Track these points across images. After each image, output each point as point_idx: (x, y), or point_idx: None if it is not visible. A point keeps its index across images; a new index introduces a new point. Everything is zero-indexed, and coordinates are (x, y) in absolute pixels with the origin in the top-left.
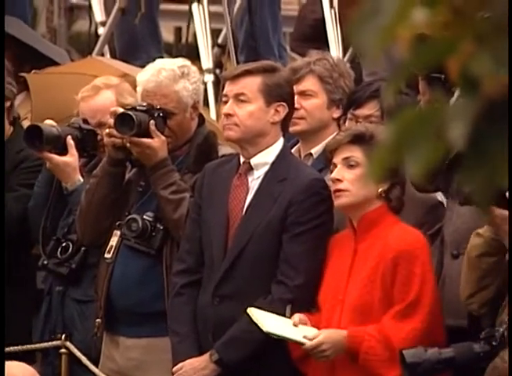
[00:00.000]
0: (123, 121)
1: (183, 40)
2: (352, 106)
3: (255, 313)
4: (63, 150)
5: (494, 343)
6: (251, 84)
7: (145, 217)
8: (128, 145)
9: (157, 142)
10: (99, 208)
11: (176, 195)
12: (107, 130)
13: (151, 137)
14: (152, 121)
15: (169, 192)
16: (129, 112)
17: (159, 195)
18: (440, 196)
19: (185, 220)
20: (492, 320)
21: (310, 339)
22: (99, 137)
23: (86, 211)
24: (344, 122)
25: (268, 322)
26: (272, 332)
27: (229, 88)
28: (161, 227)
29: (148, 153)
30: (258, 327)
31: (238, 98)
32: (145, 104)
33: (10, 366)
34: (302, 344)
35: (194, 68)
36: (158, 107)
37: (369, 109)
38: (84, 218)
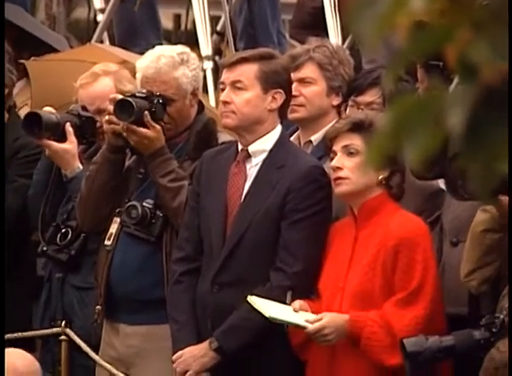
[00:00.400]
0: (122, 107)
1: (182, 27)
2: (354, 93)
3: (256, 301)
4: (61, 137)
5: (494, 330)
6: (248, 72)
7: (144, 204)
8: (124, 134)
9: (153, 132)
10: (99, 195)
11: (175, 183)
12: (107, 117)
13: (147, 127)
14: (146, 112)
15: (168, 180)
16: (128, 98)
17: (158, 183)
18: (442, 182)
19: (184, 208)
20: (492, 304)
21: (312, 323)
22: (97, 124)
23: (86, 198)
24: (345, 109)
25: (270, 308)
26: (274, 317)
27: (226, 76)
28: (161, 214)
29: (145, 142)
30: (260, 313)
31: (235, 85)
32: (144, 91)
33: (9, 353)
34: (304, 327)
35: (193, 55)
36: (158, 94)
37: (371, 96)
38: (84, 204)
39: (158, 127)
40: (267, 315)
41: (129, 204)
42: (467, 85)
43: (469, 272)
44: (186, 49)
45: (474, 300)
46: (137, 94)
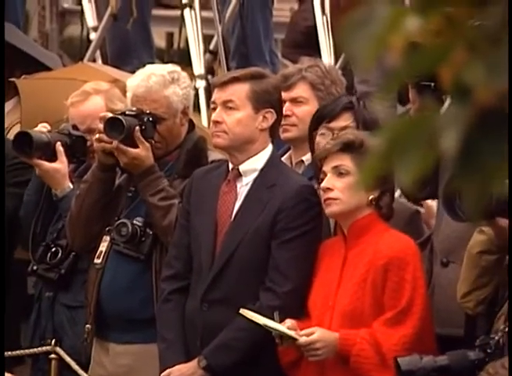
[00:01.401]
0: (112, 125)
1: (175, 46)
2: (325, 119)
3: (248, 312)
4: (52, 157)
5: (489, 351)
6: (239, 91)
7: (134, 222)
8: (115, 153)
9: (143, 150)
10: (89, 214)
11: (165, 201)
12: (97, 135)
13: (137, 145)
14: (137, 128)
15: (158, 198)
16: (119, 116)
17: (148, 202)
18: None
19: (174, 226)
20: (487, 325)
21: (305, 335)
22: (88, 143)
23: (76, 217)
24: (315, 138)
25: (263, 318)
26: (268, 325)
27: (217, 96)
28: (150, 232)
29: (135, 162)
30: (254, 322)
31: (226, 105)
32: (134, 109)
33: None
34: (296, 339)
35: (184, 74)
36: (148, 112)
37: (345, 120)
38: (75, 223)
39: (147, 144)
40: (261, 322)
41: (119, 221)
42: (461, 106)
43: (465, 293)
44: (177, 68)
45: (470, 321)
46: (127, 112)
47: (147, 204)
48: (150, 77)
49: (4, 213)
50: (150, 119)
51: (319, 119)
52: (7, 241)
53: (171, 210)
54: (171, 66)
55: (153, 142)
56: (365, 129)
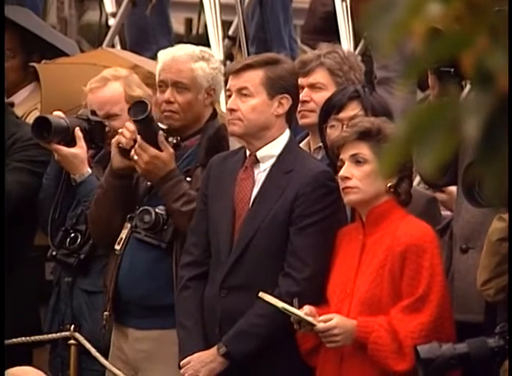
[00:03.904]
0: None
1: (194, 31)
2: (333, 111)
3: (268, 296)
4: (71, 142)
5: (508, 338)
6: (253, 78)
7: (157, 210)
8: (134, 156)
9: (166, 154)
10: (111, 215)
11: (188, 206)
12: (116, 137)
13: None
14: (161, 132)
15: (181, 204)
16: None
17: (171, 208)
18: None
19: None
20: (507, 312)
21: (323, 321)
22: (107, 129)
23: (98, 221)
24: (326, 130)
25: (282, 302)
26: (287, 308)
27: (232, 83)
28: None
29: (155, 163)
30: (273, 305)
31: (241, 92)
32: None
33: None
34: (314, 325)
35: (216, 58)
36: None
37: (353, 109)
38: (97, 227)
39: (171, 150)
40: (279, 305)
41: (142, 208)
42: (483, 93)
43: (485, 281)
44: (210, 51)
45: (490, 308)
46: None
47: (170, 211)
48: (181, 49)
49: (4, 212)
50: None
51: (327, 111)
52: (27, 223)
53: (195, 214)
54: (204, 48)
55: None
56: (375, 116)
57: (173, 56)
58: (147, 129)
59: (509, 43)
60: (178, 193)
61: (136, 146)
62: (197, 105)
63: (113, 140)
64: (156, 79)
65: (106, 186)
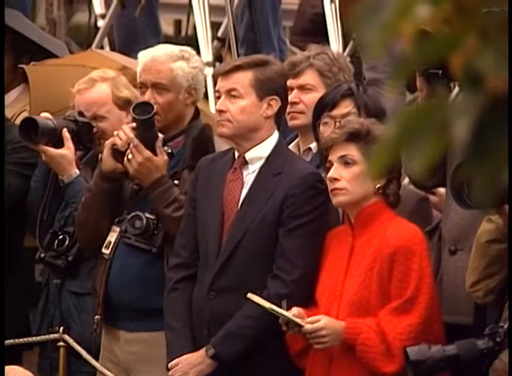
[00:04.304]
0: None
1: (183, 32)
2: (326, 108)
3: (256, 296)
4: (58, 143)
5: (498, 339)
6: (243, 80)
7: (147, 215)
8: (129, 156)
9: (160, 159)
10: (98, 220)
11: (179, 212)
12: (111, 139)
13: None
14: (160, 137)
15: (172, 210)
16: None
17: (162, 214)
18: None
19: None
20: (496, 314)
21: (310, 323)
22: (94, 129)
23: (85, 226)
24: (319, 127)
25: (269, 303)
26: (275, 309)
27: (221, 84)
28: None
29: (148, 166)
30: (260, 306)
31: (230, 94)
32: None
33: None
34: (302, 326)
35: (198, 58)
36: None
37: (346, 107)
38: (84, 231)
39: (166, 157)
40: (267, 306)
41: (133, 214)
42: (472, 94)
43: (474, 282)
44: (191, 51)
45: (480, 310)
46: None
47: (161, 215)
48: (161, 49)
49: (4, 211)
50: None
51: (321, 108)
52: (15, 226)
53: (183, 217)
54: (185, 47)
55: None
56: (367, 114)
57: (152, 57)
58: (146, 131)
59: (509, 44)
60: (169, 199)
61: (132, 145)
62: (178, 105)
63: (108, 141)
64: (137, 80)
65: (94, 190)
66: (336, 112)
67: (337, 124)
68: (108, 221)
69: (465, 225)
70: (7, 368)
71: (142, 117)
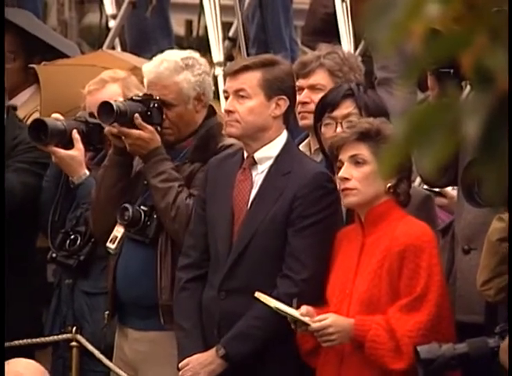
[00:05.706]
0: (104, 109)
1: (194, 33)
2: (327, 109)
3: (263, 295)
4: (68, 144)
5: (509, 337)
6: (251, 80)
7: (141, 207)
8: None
9: (147, 133)
10: (107, 198)
11: (165, 184)
12: (107, 128)
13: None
14: (136, 115)
15: (159, 180)
16: (110, 101)
17: (149, 183)
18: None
19: (170, 209)
20: (507, 312)
21: (318, 321)
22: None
23: (96, 202)
24: (320, 128)
25: (276, 302)
26: (280, 308)
27: (229, 85)
28: (155, 216)
29: (139, 144)
30: (266, 305)
31: (238, 94)
32: (141, 94)
33: (18, 363)
34: (308, 324)
35: (202, 60)
36: (156, 98)
37: (347, 107)
38: (95, 208)
39: (151, 128)
40: (272, 305)
41: (122, 206)
42: (483, 93)
43: (485, 281)
44: (194, 54)
45: (491, 308)
46: (134, 97)
47: (149, 186)
48: (162, 62)
49: (4, 211)
50: (156, 105)
51: (322, 110)
52: (29, 225)
53: (169, 192)
54: (187, 53)
55: (158, 128)
56: (369, 114)
57: (155, 73)
58: (123, 121)
59: (509, 43)
60: (158, 170)
61: (118, 131)
62: (187, 114)
63: (107, 130)
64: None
65: (108, 163)
66: (337, 113)
67: (339, 124)
68: (118, 202)
69: (478, 225)
70: (10, 360)
71: (109, 121)
